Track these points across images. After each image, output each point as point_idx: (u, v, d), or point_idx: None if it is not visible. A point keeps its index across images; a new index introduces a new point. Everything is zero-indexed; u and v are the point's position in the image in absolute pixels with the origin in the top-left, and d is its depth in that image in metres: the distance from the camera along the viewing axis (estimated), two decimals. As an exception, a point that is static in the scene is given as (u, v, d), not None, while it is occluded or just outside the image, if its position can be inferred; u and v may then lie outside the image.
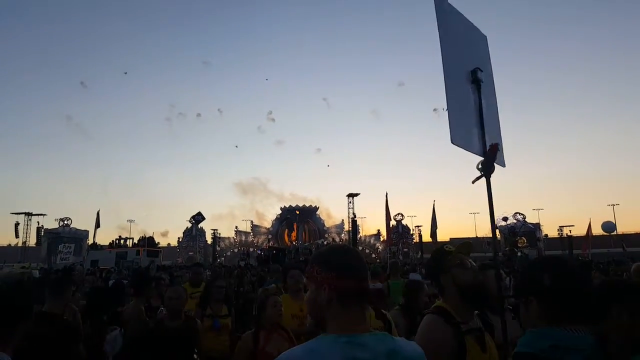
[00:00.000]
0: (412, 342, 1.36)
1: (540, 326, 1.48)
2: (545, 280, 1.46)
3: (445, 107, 2.28)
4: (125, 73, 75.58)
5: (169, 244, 56.28)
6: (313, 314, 1.35)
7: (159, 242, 55.04)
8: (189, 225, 47.35)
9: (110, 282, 9.21)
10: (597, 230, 44.05)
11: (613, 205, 51.45)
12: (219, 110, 74.75)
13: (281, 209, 52.12)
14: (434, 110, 70.40)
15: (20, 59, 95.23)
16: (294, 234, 48.73)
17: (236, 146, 76.22)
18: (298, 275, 4.37)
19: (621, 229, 53.47)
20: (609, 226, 41.07)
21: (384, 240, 44.12)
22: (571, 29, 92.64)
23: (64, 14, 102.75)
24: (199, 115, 75.67)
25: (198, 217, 41.65)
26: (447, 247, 2.26)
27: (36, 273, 13.47)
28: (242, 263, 33.87)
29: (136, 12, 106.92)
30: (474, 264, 2.18)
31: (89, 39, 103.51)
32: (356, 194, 43.78)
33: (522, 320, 1.58)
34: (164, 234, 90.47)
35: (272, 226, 51.87)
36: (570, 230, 44.62)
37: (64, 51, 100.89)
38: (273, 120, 74.23)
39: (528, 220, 45.79)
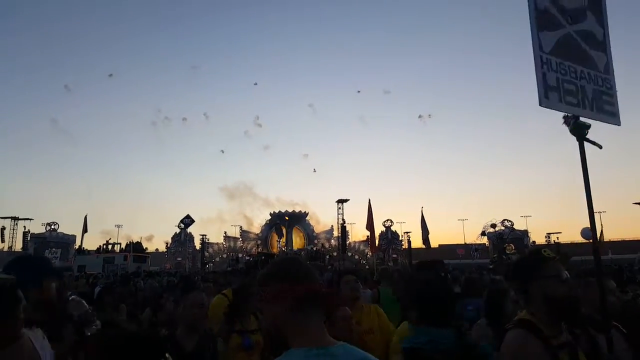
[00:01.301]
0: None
1: (420, 326, 2.13)
2: (415, 291, 2.02)
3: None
4: (110, 75, 74.75)
5: (157, 249, 55.82)
6: (274, 334, 1.32)
7: (146, 248, 54.58)
8: (177, 230, 47.03)
9: (97, 289, 9.10)
10: (577, 237, 44.52)
11: (600, 212, 52.07)
12: (205, 115, 74.26)
13: (270, 214, 51.99)
14: (419, 117, 71.06)
15: (5, 61, 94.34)
16: (283, 239, 48.60)
17: (222, 151, 75.65)
18: (354, 282, 3.75)
19: (608, 236, 54.25)
20: (588, 233, 41.37)
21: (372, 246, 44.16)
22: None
23: (49, 17, 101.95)
24: (184, 119, 75.24)
25: (187, 221, 41.24)
26: (545, 251, 2.02)
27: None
28: (229, 269, 33.71)
29: (123, 16, 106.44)
30: (569, 276, 1.94)
31: (75, 42, 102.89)
32: (345, 200, 43.77)
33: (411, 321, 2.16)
34: (149, 239, 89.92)
35: (261, 232, 51.68)
36: (557, 237, 45.06)
37: (51, 54, 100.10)
38: (260, 125, 74.05)
39: (516, 227, 46.19)
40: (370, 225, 28.96)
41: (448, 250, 58.23)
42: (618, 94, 2.77)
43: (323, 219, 56.31)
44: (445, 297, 2.23)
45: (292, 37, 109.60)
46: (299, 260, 1.38)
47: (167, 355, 1.40)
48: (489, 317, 3.36)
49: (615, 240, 55.29)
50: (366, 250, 48.81)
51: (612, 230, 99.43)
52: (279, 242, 47.98)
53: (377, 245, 38.16)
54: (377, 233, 37.10)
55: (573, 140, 2.59)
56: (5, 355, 1.82)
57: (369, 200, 28.52)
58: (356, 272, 3.98)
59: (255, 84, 77.58)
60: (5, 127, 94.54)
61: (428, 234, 41.67)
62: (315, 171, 66.50)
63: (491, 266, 31.77)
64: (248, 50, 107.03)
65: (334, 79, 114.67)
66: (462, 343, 2.13)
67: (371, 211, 28.35)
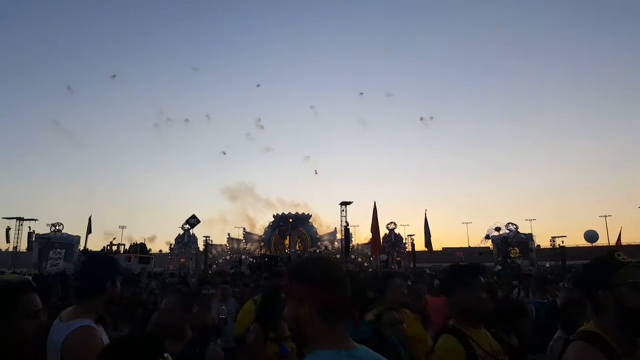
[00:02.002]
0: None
1: None
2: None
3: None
4: (114, 76, 75.14)
5: (160, 251, 55.92)
6: (294, 331, 1.28)
7: (150, 249, 54.66)
8: (181, 232, 47.05)
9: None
10: (575, 240, 44.24)
11: (605, 216, 51.90)
12: (207, 116, 74.55)
13: (274, 216, 51.93)
14: (421, 119, 70.99)
15: (8, 62, 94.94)
16: (286, 241, 48.53)
17: (224, 152, 75.90)
18: (402, 285, 3.53)
19: (613, 240, 53.92)
20: (591, 235, 40.70)
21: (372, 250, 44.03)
22: (558, 44, 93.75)
23: (51, 18, 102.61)
24: (187, 120, 75.66)
25: (192, 221, 41.18)
26: (619, 254, 1.79)
27: (28, 279, 13.30)
28: (232, 271, 33.68)
29: (126, 17, 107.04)
30: None
31: (78, 44, 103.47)
32: (349, 202, 43.67)
33: None
34: (151, 240, 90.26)
35: (264, 233, 51.64)
36: (562, 241, 44.80)
37: (53, 55, 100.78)
38: (262, 127, 74.34)
39: (520, 230, 45.91)
40: (374, 228, 28.84)
41: (451, 253, 58.12)
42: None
43: (325, 221, 56.31)
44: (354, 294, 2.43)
45: (294, 38, 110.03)
46: (336, 264, 1.31)
47: (165, 355, 1.39)
48: (565, 330, 3.17)
49: (622, 244, 55.08)
50: (370, 253, 48.76)
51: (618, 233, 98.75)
52: (282, 243, 47.96)
53: (380, 247, 38.02)
54: (380, 236, 37.02)
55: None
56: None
57: (374, 202, 28.46)
58: (403, 274, 3.78)
59: (258, 85, 78.00)
60: (9, 129, 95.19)
61: (430, 237, 41.59)
62: (316, 173, 66.58)
63: (496, 269, 31.74)
64: (249, 51, 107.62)
65: (337, 81, 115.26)
66: (376, 334, 2.61)
67: (376, 214, 28.24)
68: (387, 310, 2.99)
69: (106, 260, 2.54)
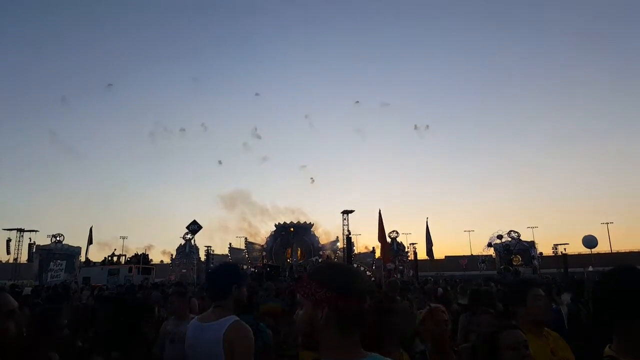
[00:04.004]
0: None
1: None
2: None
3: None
4: (110, 85, 76.01)
5: (161, 261, 55.79)
6: (306, 335, 1.25)
7: (151, 260, 54.58)
8: (182, 241, 47.02)
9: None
10: (577, 248, 43.92)
11: (607, 223, 51.73)
12: (202, 125, 75.15)
13: (275, 225, 51.91)
14: (415, 127, 71.31)
15: (7, 73, 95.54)
16: (288, 251, 48.41)
17: (220, 162, 76.18)
18: (545, 298, 2.84)
19: (616, 247, 53.73)
20: (589, 240, 40.24)
21: (379, 258, 43.83)
22: (561, 52, 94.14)
23: (47, 27, 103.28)
24: (182, 130, 76.38)
25: (194, 227, 41.03)
26: None
27: (28, 290, 13.28)
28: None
29: (124, 27, 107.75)
30: None
31: (77, 57, 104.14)
32: (351, 211, 43.70)
33: None
34: (148, 249, 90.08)
35: (266, 243, 51.54)
36: (565, 249, 44.63)
37: (52, 65, 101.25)
38: (259, 137, 74.96)
39: (523, 238, 45.80)
40: (381, 236, 28.61)
41: (454, 261, 57.88)
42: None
43: (325, 229, 56.19)
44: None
45: (292, 49, 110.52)
46: (357, 272, 1.28)
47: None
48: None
49: (624, 251, 54.88)
50: (372, 262, 48.59)
51: (621, 241, 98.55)
52: (284, 253, 47.83)
53: (389, 255, 37.73)
54: (381, 245, 36.86)
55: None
56: None
57: (379, 210, 28.28)
58: (543, 283, 2.84)
59: (257, 94, 78.46)
60: (9, 140, 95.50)
61: (432, 245, 41.47)
62: (313, 181, 66.71)
63: (497, 277, 31.62)
64: (246, 62, 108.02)
65: (334, 90, 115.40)
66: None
67: (382, 222, 28.06)
68: (509, 329, 2.15)
69: (231, 268, 2.98)
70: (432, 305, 3.01)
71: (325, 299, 1.19)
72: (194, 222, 41.90)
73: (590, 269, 37.37)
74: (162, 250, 48.25)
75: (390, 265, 41.89)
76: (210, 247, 47.22)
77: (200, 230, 36.66)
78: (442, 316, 2.80)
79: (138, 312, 2.88)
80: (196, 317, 2.95)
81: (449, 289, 13.08)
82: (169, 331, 4.33)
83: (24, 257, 43.89)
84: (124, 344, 2.74)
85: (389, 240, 46.29)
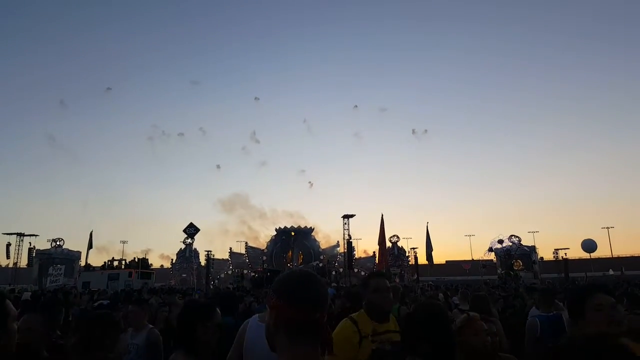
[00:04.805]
0: None
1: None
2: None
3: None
4: (109, 89, 76.29)
5: (162, 266, 55.76)
6: (269, 341, 1.27)
7: (152, 264, 54.55)
8: (182, 246, 46.99)
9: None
10: (578, 252, 43.78)
11: (608, 228, 51.63)
12: (201, 129, 75.26)
13: (276, 230, 51.87)
14: (413, 132, 71.37)
15: (7, 76, 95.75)
16: (289, 255, 48.36)
17: (218, 166, 76.20)
18: (613, 307, 2.28)
19: (617, 252, 53.56)
20: (589, 245, 39.86)
21: (378, 262, 43.78)
22: (560, 56, 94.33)
23: (47, 31, 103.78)
24: (181, 134, 76.41)
25: (191, 230, 40.84)
26: None
27: (27, 295, 13.23)
28: (230, 286, 33.38)
29: (123, 31, 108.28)
30: None
31: (78, 61, 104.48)
32: (351, 215, 43.57)
33: None
34: (145, 252, 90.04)
35: (266, 248, 51.49)
36: (565, 253, 44.55)
37: (52, 70, 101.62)
38: (258, 141, 75.16)
39: (523, 242, 45.73)
40: (381, 241, 28.71)
41: (455, 266, 57.78)
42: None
43: (324, 233, 56.21)
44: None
45: (290, 53, 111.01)
46: (312, 279, 1.27)
47: None
48: None
49: (625, 256, 54.74)
50: (373, 267, 48.54)
51: (622, 246, 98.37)
52: (285, 257, 47.78)
53: (386, 260, 37.68)
54: (379, 249, 36.81)
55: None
56: None
57: (382, 215, 28.32)
58: (609, 289, 2.37)
59: (257, 98, 78.58)
60: (10, 145, 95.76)
61: (432, 250, 41.39)
62: (311, 185, 66.87)
63: (498, 282, 31.52)
64: (245, 66, 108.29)
65: (333, 95, 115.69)
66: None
67: (383, 226, 28.13)
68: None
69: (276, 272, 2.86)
70: (470, 313, 2.81)
71: (274, 306, 1.23)
72: (191, 225, 41.68)
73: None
74: (160, 254, 48.24)
75: (395, 270, 41.86)
76: (211, 251, 47.18)
77: (201, 235, 36.66)
78: (481, 325, 2.62)
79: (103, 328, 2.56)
80: (257, 315, 3.07)
81: (449, 293, 13.02)
82: (126, 343, 4.02)
83: (23, 262, 43.84)
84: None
85: (389, 244, 46.30)
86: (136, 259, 42.25)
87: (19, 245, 43.68)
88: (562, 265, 41.48)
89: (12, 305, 2.19)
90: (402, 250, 48.11)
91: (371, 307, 2.91)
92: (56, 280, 34.35)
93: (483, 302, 5.09)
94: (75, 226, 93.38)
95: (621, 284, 19.15)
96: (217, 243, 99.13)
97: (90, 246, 42.72)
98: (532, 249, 46.23)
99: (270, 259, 49.17)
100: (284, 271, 1.40)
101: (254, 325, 3.03)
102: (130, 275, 36.58)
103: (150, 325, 4.58)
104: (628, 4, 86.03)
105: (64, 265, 39.15)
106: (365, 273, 45.68)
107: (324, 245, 52.61)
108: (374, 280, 3.00)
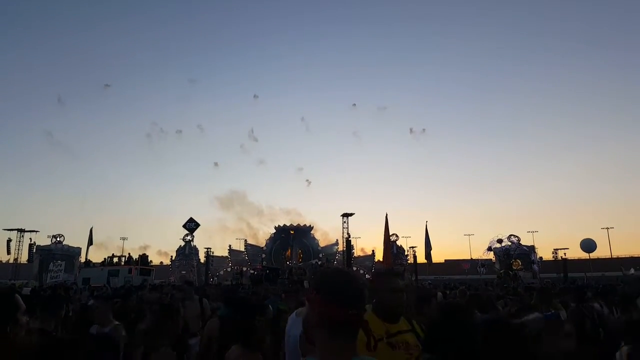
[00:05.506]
0: None
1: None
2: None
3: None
4: (107, 85, 76.51)
5: (161, 262, 55.76)
6: (308, 335, 1.33)
7: (151, 261, 54.58)
8: (182, 242, 46.94)
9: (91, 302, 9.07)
10: (577, 252, 43.77)
11: (607, 228, 51.64)
12: (199, 127, 75.37)
13: (275, 227, 51.88)
14: (410, 131, 71.29)
15: (6, 73, 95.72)
16: (288, 253, 48.35)
17: (216, 163, 76.32)
18: None
19: (617, 252, 53.66)
20: (587, 244, 39.74)
21: (379, 261, 43.77)
22: (556, 56, 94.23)
23: (44, 28, 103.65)
24: (179, 131, 76.52)
25: (191, 225, 40.68)
26: None
27: (27, 291, 13.27)
28: (228, 283, 33.42)
29: (121, 28, 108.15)
30: None
31: (78, 58, 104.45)
32: (351, 214, 43.64)
33: None
34: (144, 249, 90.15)
35: (265, 245, 51.49)
36: (564, 253, 44.60)
37: (49, 67, 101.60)
38: (256, 139, 75.35)
39: (523, 242, 45.72)
40: (386, 240, 28.81)
41: (454, 265, 57.85)
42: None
43: (323, 231, 56.28)
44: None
45: (289, 52, 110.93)
46: (351, 278, 1.33)
47: None
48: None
49: (624, 256, 54.79)
50: (372, 265, 48.55)
51: (622, 246, 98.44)
52: (284, 255, 47.78)
53: (390, 259, 37.61)
54: (384, 248, 36.77)
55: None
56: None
57: (386, 215, 28.37)
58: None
59: (256, 96, 78.53)
60: (9, 141, 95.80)
61: (431, 249, 41.38)
62: (309, 183, 66.92)
63: (497, 281, 31.55)
64: (243, 64, 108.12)
65: (332, 94, 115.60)
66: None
67: (387, 226, 28.17)
68: None
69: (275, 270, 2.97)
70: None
71: (314, 301, 1.27)
72: (191, 220, 41.61)
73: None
74: (157, 250, 48.45)
75: (399, 268, 41.78)
76: (210, 248, 47.22)
77: (200, 232, 36.72)
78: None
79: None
80: (295, 311, 3.20)
81: (447, 292, 13.03)
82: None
83: (24, 258, 43.87)
84: None
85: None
86: (133, 258, 42.36)
87: (19, 241, 43.75)
88: (561, 265, 41.53)
89: (21, 300, 2.30)
90: (401, 249, 48.08)
91: (383, 307, 2.71)
92: (56, 276, 34.45)
93: (483, 301, 5.11)
94: (76, 222, 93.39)
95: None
96: (217, 240, 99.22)
97: (90, 242, 42.80)
98: (531, 248, 46.20)
99: (270, 257, 49.16)
100: (283, 269, 1.44)
101: (292, 318, 3.22)
102: (130, 271, 36.65)
103: (116, 322, 4.54)
104: (627, 6, 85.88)
105: (64, 261, 39.26)
106: (364, 272, 45.83)
107: (322, 243, 52.67)
108: (390, 279, 2.80)
